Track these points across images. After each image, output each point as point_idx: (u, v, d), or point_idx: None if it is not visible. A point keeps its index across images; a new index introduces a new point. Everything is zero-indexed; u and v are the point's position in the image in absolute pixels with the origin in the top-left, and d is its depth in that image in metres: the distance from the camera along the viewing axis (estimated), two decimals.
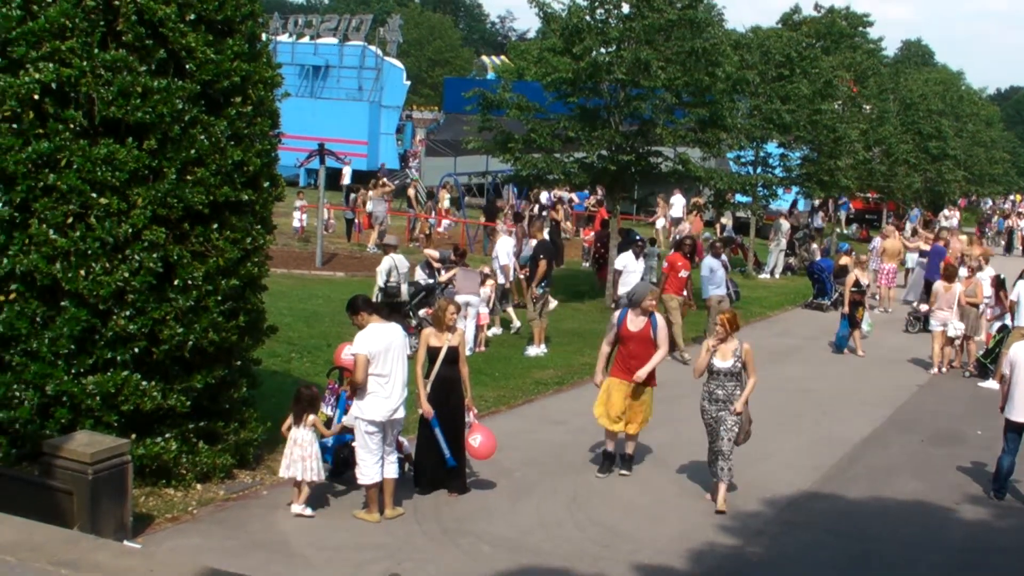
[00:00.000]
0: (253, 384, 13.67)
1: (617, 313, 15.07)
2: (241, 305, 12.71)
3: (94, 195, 11.56)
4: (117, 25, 11.86)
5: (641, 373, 14.27)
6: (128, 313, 11.70)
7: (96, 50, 11.71)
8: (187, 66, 12.07)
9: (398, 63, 66.51)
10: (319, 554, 11.46)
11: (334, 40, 62.54)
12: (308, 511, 12.44)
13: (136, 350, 11.83)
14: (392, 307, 20.00)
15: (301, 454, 12.34)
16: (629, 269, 24.49)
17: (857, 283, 25.35)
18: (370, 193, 39.17)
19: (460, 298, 20.74)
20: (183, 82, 11.98)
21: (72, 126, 11.66)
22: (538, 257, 22.49)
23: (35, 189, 11.65)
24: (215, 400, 12.86)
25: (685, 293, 23.34)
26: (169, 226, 11.88)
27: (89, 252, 11.55)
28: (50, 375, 11.73)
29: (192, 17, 12.05)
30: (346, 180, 47.89)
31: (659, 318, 14.73)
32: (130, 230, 11.61)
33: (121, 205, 11.62)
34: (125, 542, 10.35)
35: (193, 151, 11.90)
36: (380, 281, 20.88)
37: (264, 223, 13.09)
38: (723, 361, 13.63)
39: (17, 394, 11.83)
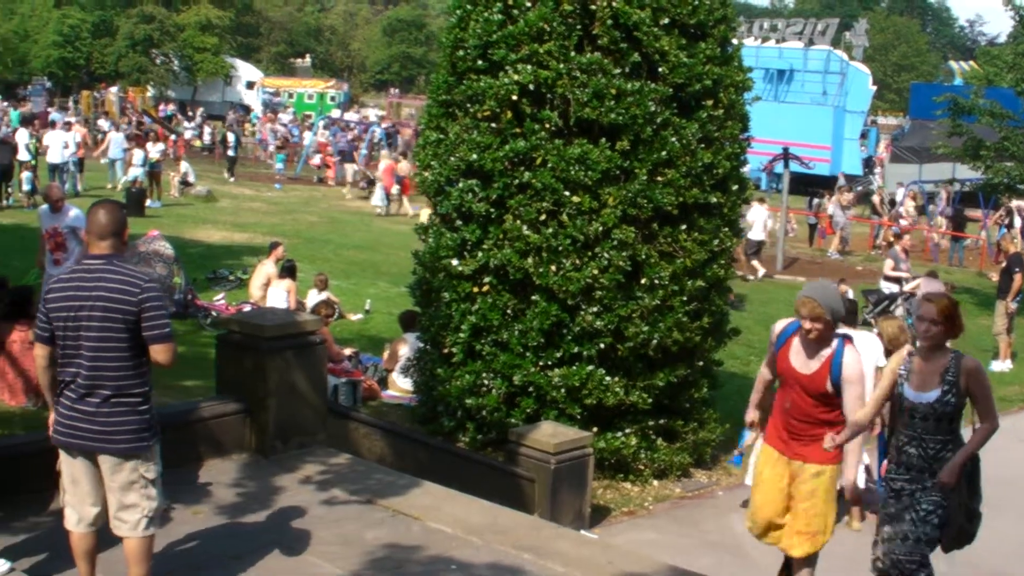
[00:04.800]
0: (714, 385, 13.67)
1: (782, 324, 8.53)
2: (705, 306, 12.73)
3: (567, 193, 11.89)
4: (593, 29, 12.15)
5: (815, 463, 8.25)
6: (595, 309, 11.96)
7: (572, 53, 12.04)
8: (660, 69, 12.19)
9: (863, 68, 64.95)
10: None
11: (799, 44, 61.82)
12: None
13: (601, 346, 12.07)
14: None
15: None
16: None
17: None
18: (832, 198, 38.61)
19: None
20: (655, 85, 12.11)
21: (548, 126, 12.03)
22: (1012, 271, 21.40)
23: (511, 186, 12.12)
24: (675, 399, 12.95)
25: None
26: (638, 226, 12.05)
27: (560, 248, 11.89)
28: (518, 366, 12.16)
29: (666, 21, 12.17)
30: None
31: (850, 355, 8.13)
32: (600, 228, 11.86)
33: (592, 204, 11.89)
34: (582, 532, 10.56)
35: (664, 153, 12.01)
36: None
37: (731, 226, 13.07)
38: (921, 391, 7.76)
39: (486, 382, 12.35)
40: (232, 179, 43.41)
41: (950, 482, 7.55)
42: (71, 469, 6.65)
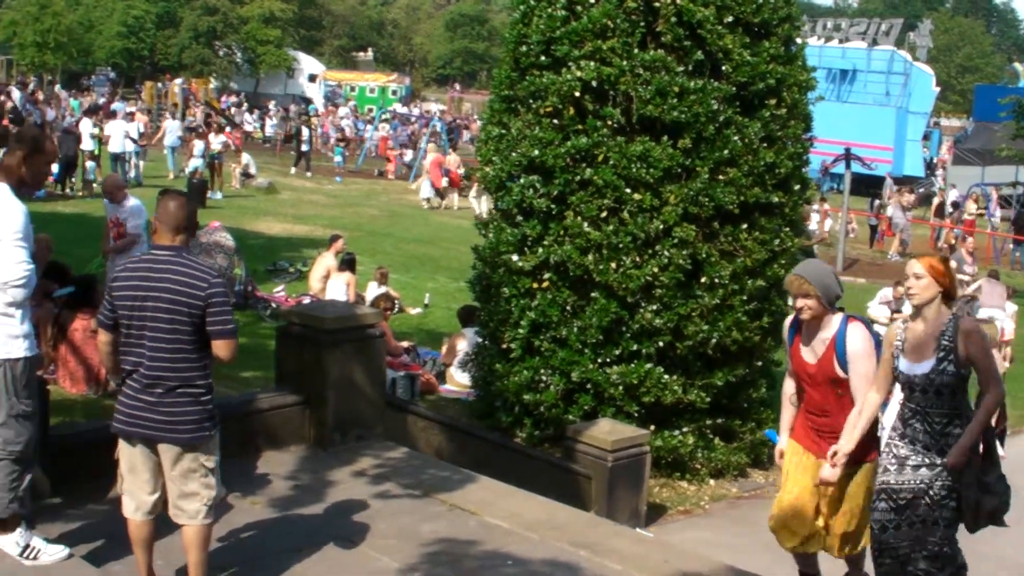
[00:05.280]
0: (772, 385, 13.47)
1: (788, 321, 8.01)
2: (766, 306, 12.66)
3: (628, 191, 11.87)
4: (656, 26, 12.12)
5: (829, 469, 7.52)
6: (655, 307, 11.93)
7: (636, 50, 12.02)
8: (723, 67, 12.15)
9: (927, 69, 64.39)
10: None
11: (862, 44, 61.35)
12: None
13: (660, 344, 12.04)
14: None
15: None
16: None
17: None
18: (890, 200, 38.33)
19: (984, 312, 19.82)
20: (719, 83, 12.07)
21: (610, 123, 12.03)
22: None
23: (572, 183, 12.13)
24: (733, 398, 12.92)
25: None
26: (699, 224, 12.02)
27: (620, 246, 11.87)
28: (576, 362, 12.16)
29: (730, 19, 12.12)
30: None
31: (854, 331, 7.53)
32: (661, 226, 11.84)
33: (653, 202, 11.86)
34: (638, 530, 10.54)
35: (726, 151, 11.97)
36: None
37: (793, 225, 12.99)
38: (916, 362, 7.06)
39: (544, 378, 12.35)
40: (309, 174, 43.27)
41: (958, 464, 6.89)
42: (130, 457, 6.69)
